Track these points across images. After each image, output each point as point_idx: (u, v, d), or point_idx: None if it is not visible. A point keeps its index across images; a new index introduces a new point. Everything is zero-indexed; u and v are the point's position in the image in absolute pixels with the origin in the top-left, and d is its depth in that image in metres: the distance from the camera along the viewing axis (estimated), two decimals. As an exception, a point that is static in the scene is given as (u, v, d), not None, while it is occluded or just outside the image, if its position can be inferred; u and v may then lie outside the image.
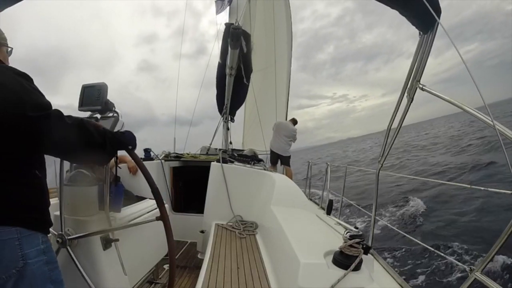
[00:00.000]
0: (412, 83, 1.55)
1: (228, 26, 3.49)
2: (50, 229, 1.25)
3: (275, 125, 5.96)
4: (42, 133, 0.82)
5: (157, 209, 1.17)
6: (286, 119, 6.68)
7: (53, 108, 0.88)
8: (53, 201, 2.47)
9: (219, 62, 4.26)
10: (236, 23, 3.35)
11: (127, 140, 1.12)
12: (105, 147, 1.00)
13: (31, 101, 0.82)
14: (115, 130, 1.28)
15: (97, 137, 0.97)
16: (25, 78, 0.87)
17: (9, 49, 1.04)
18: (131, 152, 1.16)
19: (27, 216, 0.86)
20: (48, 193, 0.98)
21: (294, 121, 6.17)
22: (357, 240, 1.21)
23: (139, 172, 1.15)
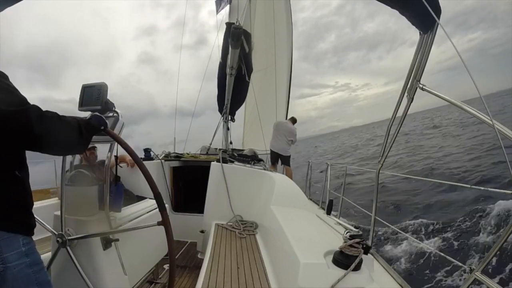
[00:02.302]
0: (412, 83, 1.55)
1: (229, 26, 3.49)
2: (51, 229, 1.26)
3: (274, 125, 5.94)
4: (22, 130, 0.80)
5: (157, 210, 1.17)
6: (286, 118, 6.67)
7: (50, 107, 0.87)
8: (53, 201, 2.46)
9: (220, 62, 4.25)
10: (237, 22, 3.35)
11: (97, 123, 1.14)
12: (82, 135, 1.01)
13: (6, 99, 0.80)
14: (115, 130, 1.28)
15: (75, 126, 0.98)
16: (0, 76, 0.85)
17: None
18: (107, 130, 1.17)
19: (6, 218, 0.84)
20: (31, 193, 0.95)
21: (293, 120, 6.11)
22: (357, 240, 1.21)
23: (139, 172, 1.15)
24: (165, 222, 1.13)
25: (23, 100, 0.85)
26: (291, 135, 5.80)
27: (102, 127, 1.14)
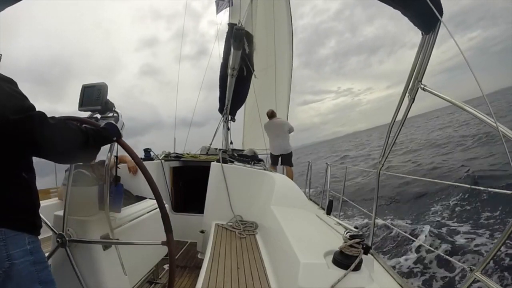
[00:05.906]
0: (414, 83, 1.55)
1: (231, 26, 3.49)
2: (52, 228, 1.26)
3: (265, 128, 5.70)
4: (26, 135, 0.82)
5: (157, 210, 1.17)
6: (287, 119, 6.62)
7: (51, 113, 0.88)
8: (52, 201, 2.46)
9: (222, 62, 4.26)
10: (239, 23, 3.35)
11: (110, 133, 1.13)
12: (88, 145, 1.01)
13: (13, 105, 0.81)
14: None
15: (81, 136, 0.98)
16: (9, 83, 0.87)
17: None
18: (120, 141, 1.17)
19: (12, 218, 0.86)
20: (38, 194, 0.98)
21: (270, 113, 5.70)
22: (357, 240, 1.21)
23: (139, 172, 1.16)
24: (169, 243, 1.15)
25: (30, 106, 0.86)
26: (287, 127, 5.64)
27: (115, 138, 1.14)
